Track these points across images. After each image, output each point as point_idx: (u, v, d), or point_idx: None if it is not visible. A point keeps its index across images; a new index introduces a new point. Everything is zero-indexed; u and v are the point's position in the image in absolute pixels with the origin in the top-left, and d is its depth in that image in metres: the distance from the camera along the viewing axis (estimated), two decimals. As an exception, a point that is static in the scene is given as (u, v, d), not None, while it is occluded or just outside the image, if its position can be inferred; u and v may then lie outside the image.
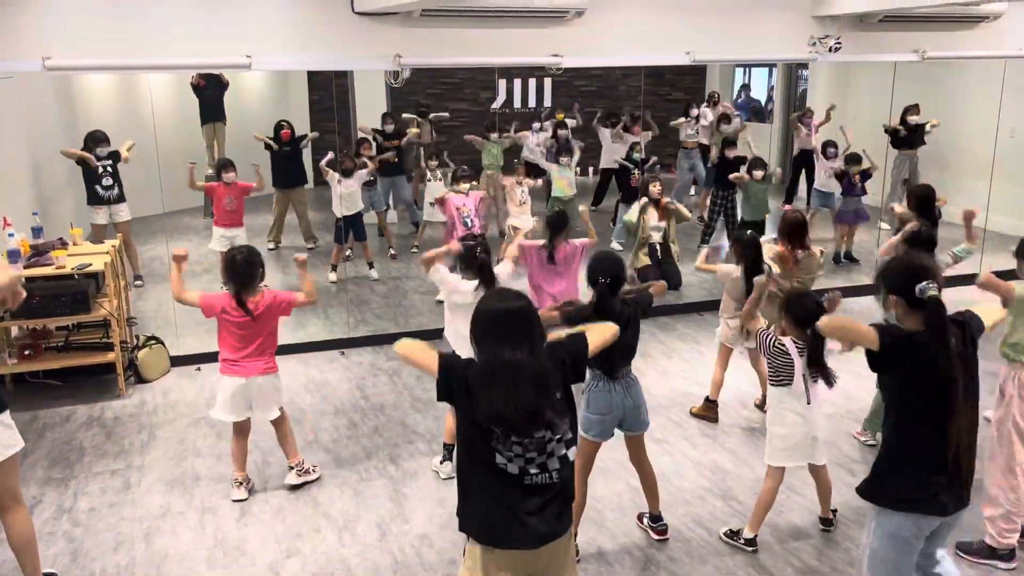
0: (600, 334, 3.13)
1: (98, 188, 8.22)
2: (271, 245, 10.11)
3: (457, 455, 2.90)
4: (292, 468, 5.03)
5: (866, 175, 9.33)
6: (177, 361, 6.90)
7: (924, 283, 2.95)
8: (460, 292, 5.04)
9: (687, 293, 8.61)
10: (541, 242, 6.21)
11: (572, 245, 6.17)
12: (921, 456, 3.04)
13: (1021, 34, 8.27)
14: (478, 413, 2.71)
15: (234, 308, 4.66)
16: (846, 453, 5.36)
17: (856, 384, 6.21)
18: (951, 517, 3.11)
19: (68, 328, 6.69)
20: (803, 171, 11.07)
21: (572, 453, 2.82)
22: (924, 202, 6.04)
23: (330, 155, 8.88)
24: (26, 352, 6.29)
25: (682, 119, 11.56)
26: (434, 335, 7.46)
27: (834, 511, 4.61)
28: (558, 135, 10.75)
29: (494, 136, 10.26)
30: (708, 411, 5.88)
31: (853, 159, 9.36)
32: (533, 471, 2.75)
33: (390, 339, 7.44)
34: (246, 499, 4.88)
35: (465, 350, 4.93)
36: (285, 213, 10.14)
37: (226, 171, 8.28)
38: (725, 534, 4.47)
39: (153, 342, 6.78)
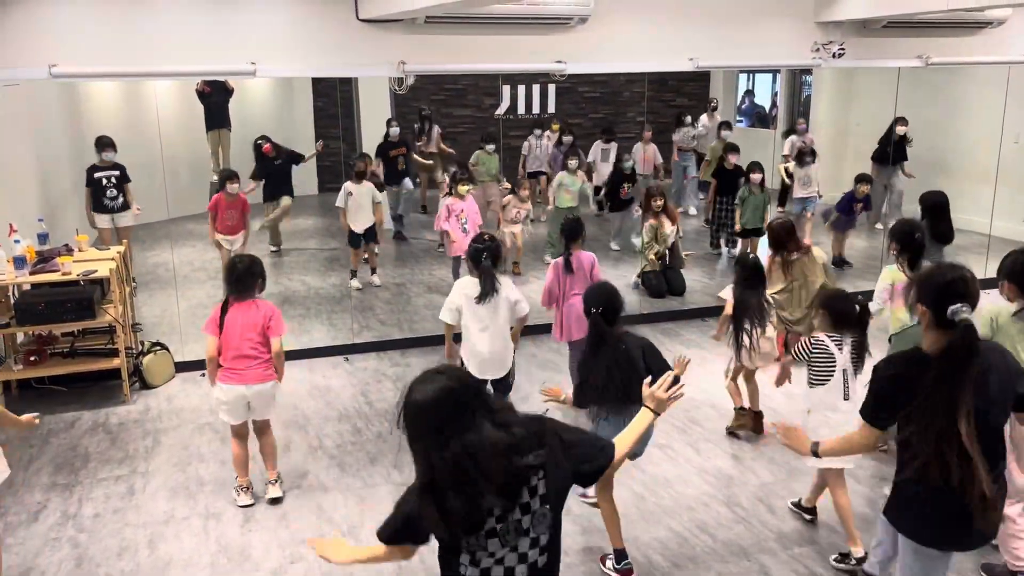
0: (626, 444, 2.71)
1: (104, 200, 8.32)
2: (273, 248, 10.17)
3: None
4: (276, 481, 4.99)
5: (868, 201, 9.36)
6: (182, 367, 6.91)
7: (958, 306, 2.82)
8: (468, 299, 4.99)
9: (691, 299, 8.61)
10: (552, 262, 6.07)
11: (587, 255, 5.99)
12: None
13: (1024, 40, 8.29)
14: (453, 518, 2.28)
15: (235, 311, 4.72)
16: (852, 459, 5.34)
17: (864, 391, 6.20)
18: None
19: (73, 334, 6.72)
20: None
21: (543, 562, 2.42)
22: (937, 209, 6.27)
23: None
24: (32, 358, 6.31)
25: (683, 130, 11.66)
26: (438, 341, 7.47)
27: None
28: (563, 141, 10.77)
29: (490, 147, 10.25)
30: (739, 420, 5.74)
31: (863, 179, 9.33)
32: None
33: (394, 345, 7.49)
34: (252, 504, 4.88)
35: (477, 368, 4.99)
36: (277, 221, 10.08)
37: (231, 182, 8.27)
38: (835, 559, 4.31)
39: (158, 348, 6.79)
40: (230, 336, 4.70)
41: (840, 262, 9.66)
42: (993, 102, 9.16)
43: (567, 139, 10.94)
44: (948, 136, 10.44)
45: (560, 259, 5.92)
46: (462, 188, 8.28)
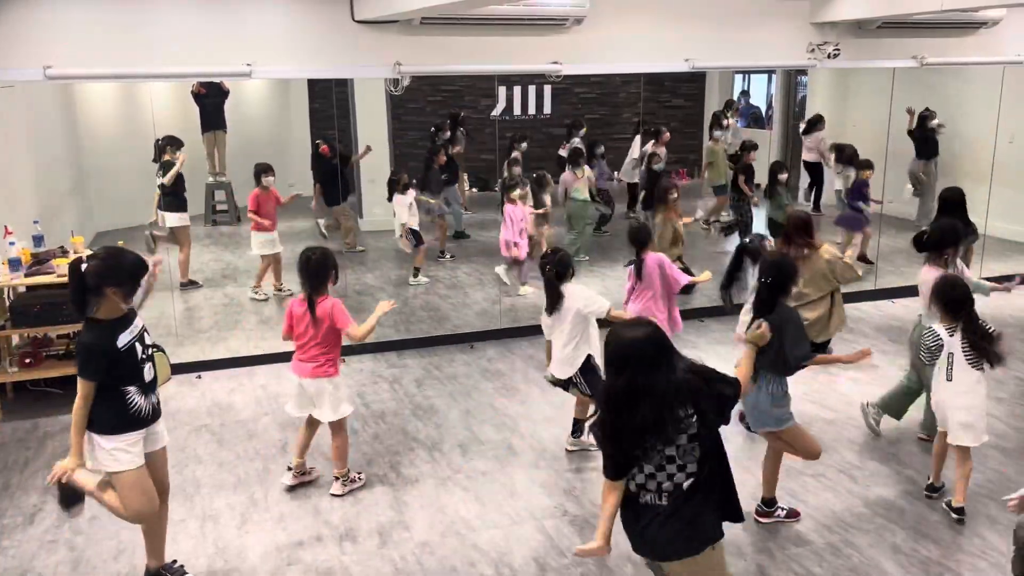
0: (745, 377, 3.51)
1: (185, 194, 8.37)
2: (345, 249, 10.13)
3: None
4: (338, 479, 5.02)
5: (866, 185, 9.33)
6: (178, 369, 6.88)
7: None
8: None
9: (690, 300, 8.60)
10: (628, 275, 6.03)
11: (654, 259, 5.89)
12: None
13: (1019, 40, 8.31)
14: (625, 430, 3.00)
15: (300, 306, 4.86)
16: (847, 460, 5.36)
17: (857, 390, 6.22)
18: None
19: (69, 336, 6.70)
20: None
21: (687, 484, 3.03)
22: (955, 205, 6.54)
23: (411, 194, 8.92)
24: (27, 360, 6.30)
25: (718, 133, 11.39)
26: (438, 342, 7.49)
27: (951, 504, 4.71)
28: (576, 146, 10.71)
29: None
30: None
31: (866, 164, 9.26)
32: (651, 489, 3.06)
33: (391, 347, 7.48)
34: (292, 486, 5.02)
35: (552, 365, 5.33)
36: (337, 226, 9.98)
37: (265, 175, 8.34)
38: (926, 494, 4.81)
39: (154, 350, 6.76)
40: (297, 328, 4.88)
41: (862, 259, 9.40)
42: (988, 102, 9.19)
43: (578, 142, 10.87)
44: (943, 136, 10.47)
45: (631, 262, 5.93)
46: (515, 193, 8.50)
